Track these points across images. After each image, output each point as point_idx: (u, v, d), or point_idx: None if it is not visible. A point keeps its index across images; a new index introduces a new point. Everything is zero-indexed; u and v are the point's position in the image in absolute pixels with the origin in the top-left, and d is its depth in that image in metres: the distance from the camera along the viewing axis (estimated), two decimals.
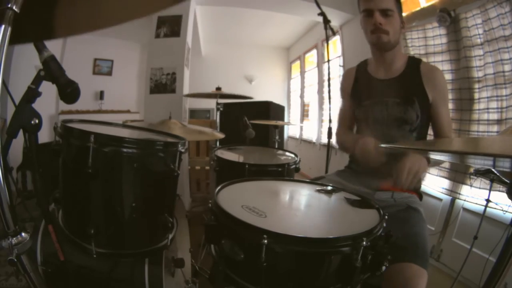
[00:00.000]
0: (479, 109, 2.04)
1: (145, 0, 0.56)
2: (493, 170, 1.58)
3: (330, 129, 2.23)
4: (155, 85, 3.07)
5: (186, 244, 1.38)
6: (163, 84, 3.06)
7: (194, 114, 5.65)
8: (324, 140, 4.51)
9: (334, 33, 2.29)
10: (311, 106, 5.47)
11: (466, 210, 2.14)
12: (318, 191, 0.95)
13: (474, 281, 1.87)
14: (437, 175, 2.34)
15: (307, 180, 1.08)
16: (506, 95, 1.87)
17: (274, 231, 0.59)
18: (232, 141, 1.87)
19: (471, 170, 1.87)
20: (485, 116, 2.00)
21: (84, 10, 0.56)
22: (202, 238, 1.28)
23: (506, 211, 1.72)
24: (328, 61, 2.48)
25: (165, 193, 1.01)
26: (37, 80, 0.70)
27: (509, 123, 1.85)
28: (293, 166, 1.47)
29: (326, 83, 2.97)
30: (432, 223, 2.37)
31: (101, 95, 5.05)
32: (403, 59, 1.23)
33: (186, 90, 3.17)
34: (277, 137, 2.44)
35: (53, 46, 0.74)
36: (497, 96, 1.91)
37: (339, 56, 4.04)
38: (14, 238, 0.56)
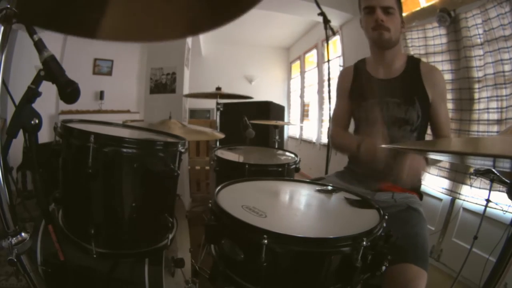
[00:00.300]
0: (479, 109, 2.04)
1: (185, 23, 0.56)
2: (493, 170, 1.58)
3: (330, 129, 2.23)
4: (155, 85, 3.07)
5: (186, 244, 1.38)
6: (163, 84, 3.06)
7: (194, 114, 5.65)
8: (324, 140, 4.52)
9: (334, 33, 2.29)
10: (311, 106, 5.47)
11: (466, 210, 2.14)
12: (318, 191, 0.95)
13: (474, 281, 1.87)
14: (437, 175, 2.34)
15: (307, 180, 1.08)
16: (506, 95, 1.87)
17: (274, 231, 0.59)
18: (232, 141, 1.87)
19: (471, 170, 1.87)
20: (485, 116, 2.00)
21: (130, 19, 0.57)
22: (202, 238, 1.28)
23: (506, 211, 1.71)
24: (328, 61, 2.48)
25: (165, 193, 1.01)
26: (37, 80, 0.69)
27: (509, 123, 1.85)
28: (293, 166, 1.47)
29: (326, 83, 2.97)
30: (432, 223, 2.37)
31: (101, 95, 5.04)
32: (403, 59, 1.23)
33: (186, 90, 3.17)
34: (277, 137, 2.44)
35: (53, 46, 0.74)
36: (497, 96, 1.91)
37: (339, 56, 4.05)
38: (14, 238, 0.57)
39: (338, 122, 1.38)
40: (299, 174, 1.63)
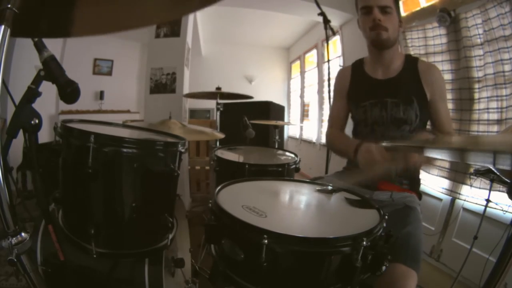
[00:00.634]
0: (479, 109, 2.04)
1: (172, 4, 0.56)
2: (493, 169, 1.58)
3: None
4: (155, 85, 3.07)
5: (186, 244, 1.38)
6: (163, 84, 3.06)
7: (194, 114, 5.65)
8: (324, 140, 4.51)
9: (334, 33, 2.29)
10: (311, 106, 5.47)
11: (466, 210, 2.14)
12: (318, 191, 0.95)
13: (474, 281, 1.87)
14: (437, 175, 2.34)
15: (307, 180, 1.08)
16: (506, 95, 1.87)
17: (275, 231, 0.59)
18: (232, 141, 1.87)
19: (471, 170, 1.87)
20: (485, 116, 2.00)
21: (107, 11, 0.56)
22: (202, 238, 1.28)
23: (506, 211, 1.72)
24: (328, 61, 2.49)
25: (165, 193, 1.01)
26: (37, 80, 0.70)
27: (509, 123, 1.85)
28: (293, 166, 1.47)
29: (326, 83, 2.98)
30: (432, 223, 2.38)
31: (101, 95, 5.05)
32: (401, 59, 1.23)
33: (186, 90, 3.17)
34: (277, 137, 2.44)
35: (53, 46, 0.74)
36: (497, 96, 1.91)
37: (339, 56, 4.05)
38: (14, 238, 0.56)
39: (334, 123, 1.36)
40: (299, 174, 1.63)
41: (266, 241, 0.58)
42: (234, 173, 1.38)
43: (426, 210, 1.12)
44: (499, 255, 0.63)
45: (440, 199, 2.37)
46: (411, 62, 1.21)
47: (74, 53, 4.32)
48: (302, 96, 5.83)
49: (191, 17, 3.19)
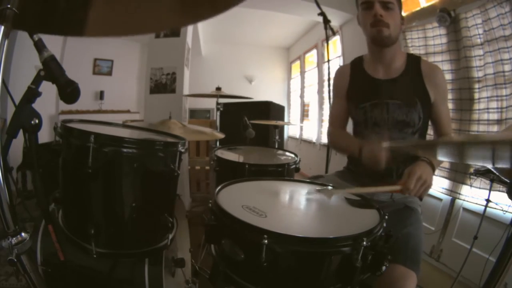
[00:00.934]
0: (479, 109, 2.04)
1: (184, 11, 0.56)
2: (492, 170, 1.58)
3: None
4: (155, 85, 3.07)
5: (186, 244, 1.38)
6: (163, 84, 3.06)
7: (194, 114, 5.65)
8: (324, 140, 4.51)
9: (334, 33, 2.29)
10: (311, 106, 5.47)
11: (466, 210, 2.14)
12: (318, 191, 0.95)
13: (474, 281, 1.87)
14: (437, 175, 2.34)
15: (307, 180, 1.08)
16: (506, 95, 1.87)
17: (275, 231, 0.59)
18: (232, 141, 1.87)
19: (471, 170, 1.87)
20: (485, 116, 2.00)
21: (121, 14, 0.57)
22: (202, 238, 1.28)
23: (506, 211, 1.72)
24: (328, 61, 2.48)
25: (165, 193, 1.01)
26: (37, 80, 0.69)
27: (509, 123, 1.85)
28: (293, 166, 1.46)
29: (326, 83, 2.98)
30: (432, 223, 2.38)
31: (101, 95, 5.05)
32: (402, 58, 1.18)
33: (186, 90, 3.17)
34: (277, 137, 2.44)
35: (53, 46, 0.74)
36: (497, 96, 1.91)
37: (339, 56, 4.05)
38: (14, 238, 0.56)
39: (335, 122, 1.33)
40: (299, 174, 1.63)
41: (266, 241, 0.58)
42: (234, 173, 1.38)
43: (426, 210, 1.13)
44: (499, 255, 0.63)
45: (440, 199, 2.37)
46: (414, 61, 1.16)
47: (74, 53, 4.31)
48: (302, 96, 5.83)
49: None
